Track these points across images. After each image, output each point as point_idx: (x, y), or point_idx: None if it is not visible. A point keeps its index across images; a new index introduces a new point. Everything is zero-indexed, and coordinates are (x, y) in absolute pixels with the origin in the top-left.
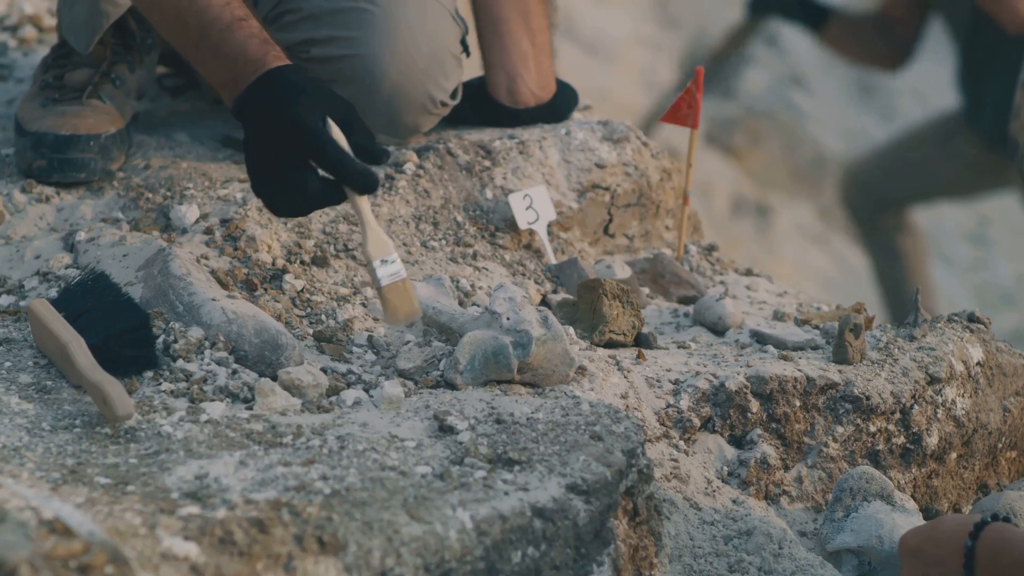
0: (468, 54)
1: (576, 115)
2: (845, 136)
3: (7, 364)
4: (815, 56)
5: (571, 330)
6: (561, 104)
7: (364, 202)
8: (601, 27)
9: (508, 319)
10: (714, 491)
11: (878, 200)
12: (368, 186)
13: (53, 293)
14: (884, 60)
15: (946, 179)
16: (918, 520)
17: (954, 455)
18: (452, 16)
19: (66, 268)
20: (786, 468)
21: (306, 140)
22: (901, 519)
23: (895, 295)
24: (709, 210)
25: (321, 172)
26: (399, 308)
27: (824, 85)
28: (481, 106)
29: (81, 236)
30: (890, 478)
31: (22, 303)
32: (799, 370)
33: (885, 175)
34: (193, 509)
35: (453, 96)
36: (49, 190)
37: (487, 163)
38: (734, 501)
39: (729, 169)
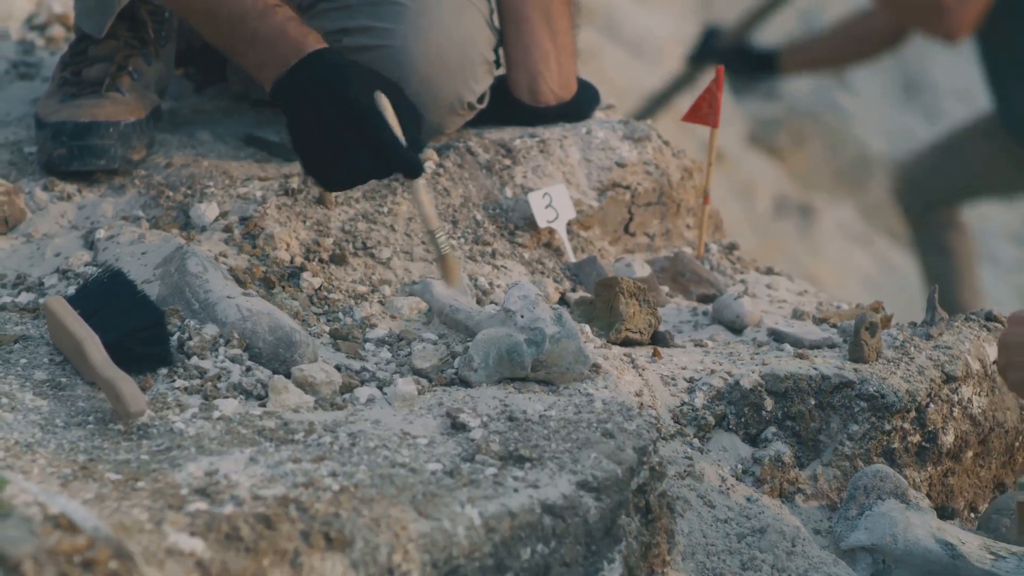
0: (499, 64)
1: (599, 114)
2: (889, 136)
3: (23, 361)
4: None
5: (587, 328)
6: (582, 103)
7: (419, 180)
8: (645, 27)
9: (522, 317)
10: (728, 489)
11: (929, 197)
12: (415, 172)
13: (72, 290)
14: (862, 54)
15: (993, 177)
16: (932, 519)
17: (970, 453)
18: (487, 22)
19: (85, 265)
20: (801, 466)
21: (361, 119)
22: (915, 518)
23: (942, 296)
24: (751, 210)
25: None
26: (456, 271)
27: (868, 85)
28: (502, 104)
29: (101, 234)
30: (905, 476)
31: (41, 300)
32: (814, 368)
33: (935, 172)
34: (201, 505)
35: (480, 100)
36: (71, 188)
37: (507, 162)
38: (748, 499)
39: (772, 169)
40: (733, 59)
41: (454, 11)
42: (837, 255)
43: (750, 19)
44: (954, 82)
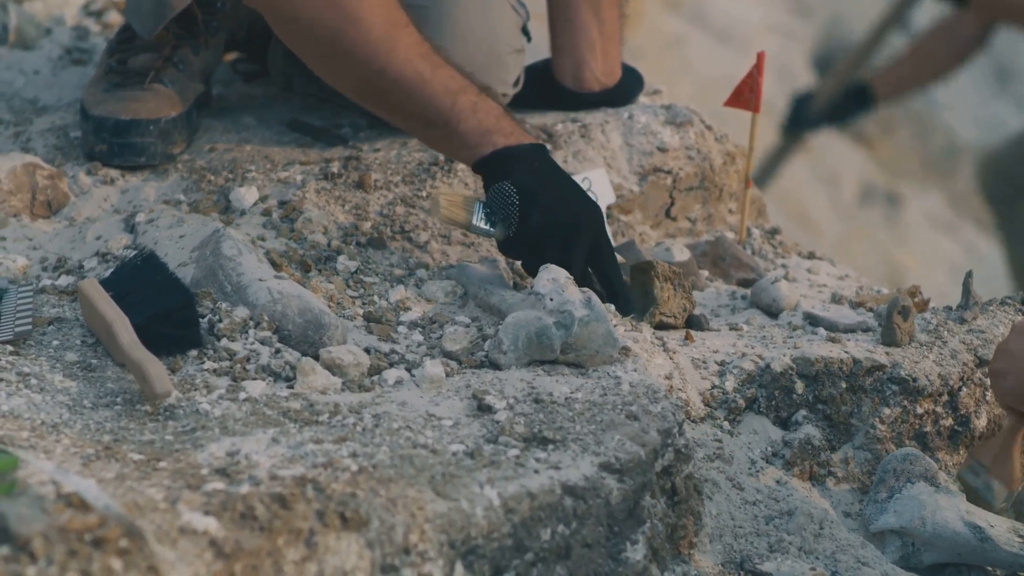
0: (530, 40)
1: (643, 99)
2: (979, 124)
3: (55, 343)
4: None
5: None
6: (626, 89)
7: None
8: (733, 14)
9: (551, 300)
10: (757, 472)
11: (1017, 186)
12: (627, 312)
13: (108, 273)
14: (953, 60)
15: None
16: (961, 502)
17: None
18: (512, 7)
19: (125, 249)
20: (832, 449)
21: (603, 243)
22: (944, 500)
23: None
24: (837, 198)
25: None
26: None
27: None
28: (545, 89)
29: (140, 217)
30: (938, 460)
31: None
32: (846, 352)
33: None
34: (219, 485)
35: (515, 85)
36: (114, 172)
37: (548, 146)
38: (777, 482)
39: (859, 157)
40: (828, 116)
41: (477, 7)
42: (924, 244)
43: (838, 79)
44: None
